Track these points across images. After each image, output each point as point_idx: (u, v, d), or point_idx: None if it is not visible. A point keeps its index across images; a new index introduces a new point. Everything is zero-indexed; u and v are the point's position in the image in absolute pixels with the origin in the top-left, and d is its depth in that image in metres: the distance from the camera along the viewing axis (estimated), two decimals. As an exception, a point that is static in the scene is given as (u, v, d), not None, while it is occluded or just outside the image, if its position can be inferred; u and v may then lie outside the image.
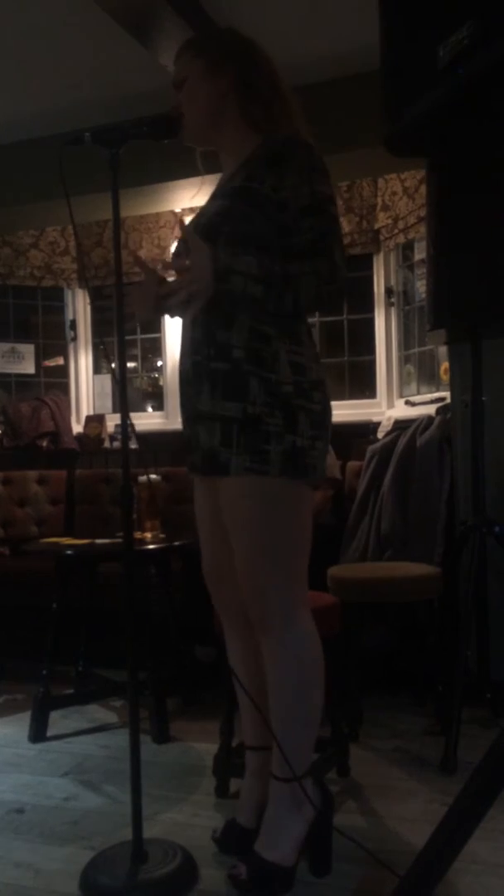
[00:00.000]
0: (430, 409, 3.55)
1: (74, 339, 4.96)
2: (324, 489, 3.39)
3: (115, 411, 4.72)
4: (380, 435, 3.81)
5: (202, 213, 1.79)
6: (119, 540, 2.69)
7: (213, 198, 1.80)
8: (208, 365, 1.68)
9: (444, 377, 3.67)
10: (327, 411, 1.72)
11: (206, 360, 1.68)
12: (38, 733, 2.70)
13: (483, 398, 2.65)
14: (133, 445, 1.79)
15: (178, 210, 4.45)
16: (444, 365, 3.64)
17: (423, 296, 3.77)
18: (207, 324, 1.69)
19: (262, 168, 1.66)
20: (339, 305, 1.82)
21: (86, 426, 4.68)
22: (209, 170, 1.95)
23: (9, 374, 4.85)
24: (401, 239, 4.11)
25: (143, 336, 4.91)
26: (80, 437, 4.63)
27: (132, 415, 1.76)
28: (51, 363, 4.99)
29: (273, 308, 1.63)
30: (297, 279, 1.60)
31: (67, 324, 4.98)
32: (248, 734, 1.90)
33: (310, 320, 2.01)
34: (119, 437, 4.10)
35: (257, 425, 1.62)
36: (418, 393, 4.08)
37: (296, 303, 1.62)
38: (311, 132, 1.74)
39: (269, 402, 1.62)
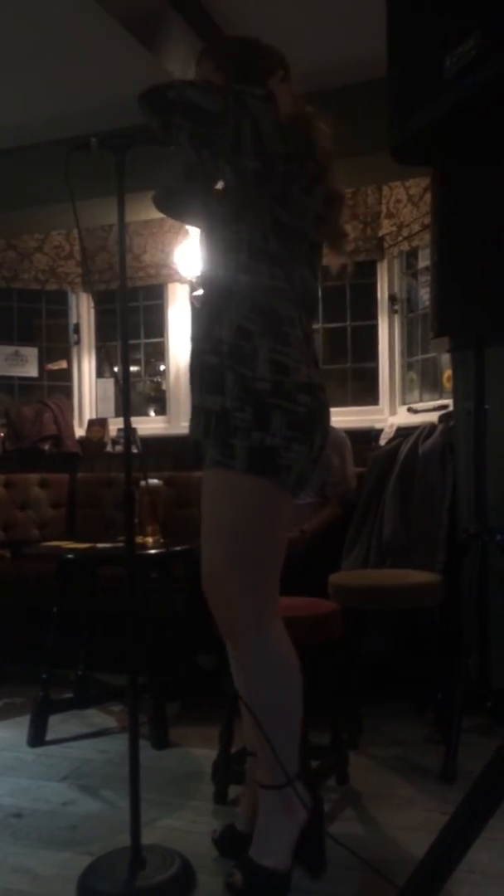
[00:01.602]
0: (433, 417, 3.55)
1: (78, 342, 4.97)
2: (333, 507, 3.39)
3: (117, 415, 4.73)
4: (382, 442, 3.81)
5: None
6: (120, 544, 2.69)
7: None
8: (202, 359, 1.72)
9: (447, 385, 3.67)
10: (316, 416, 1.68)
11: (202, 355, 1.72)
12: (36, 737, 2.70)
13: (486, 406, 2.65)
14: (135, 450, 1.80)
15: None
16: (447, 372, 3.64)
17: (427, 303, 3.77)
18: (206, 318, 1.73)
19: None
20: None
21: (88, 430, 4.68)
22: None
23: (12, 377, 4.86)
24: (405, 246, 4.11)
25: (146, 340, 4.92)
26: (82, 440, 4.63)
27: (134, 419, 1.78)
28: (54, 366, 4.99)
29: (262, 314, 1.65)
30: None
31: (71, 327, 4.98)
32: (249, 739, 1.90)
33: (314, 326, 2.02)
34: (121, 440, 4.11)
35: (228, 419, 1.63)
36: (421, 400, 4.08)
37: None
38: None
39: (242, 397, 1.63)
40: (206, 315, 1.74)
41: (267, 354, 1.64)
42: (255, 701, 1.71)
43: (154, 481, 3.19)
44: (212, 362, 1.68)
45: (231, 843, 1.84)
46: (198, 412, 1.73)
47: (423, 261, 4.00)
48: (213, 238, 1.77)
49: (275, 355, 1.65)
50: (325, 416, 1.74)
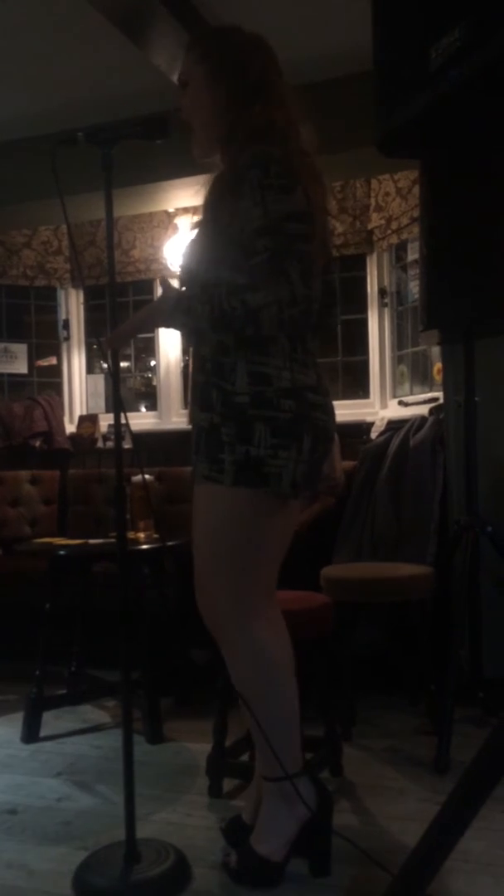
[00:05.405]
0: (424, 410, 3.56)
1: (67, 338, 4.95)
2: (324, 500, 3.40)
3: (108, 411, 4.72)
4: (373, 435, 3.82)
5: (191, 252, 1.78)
6: (112, 540, 2.69)
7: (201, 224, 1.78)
8: (193, 377, 1.77)
9: (437, 377, 3.68)
10: (304, 418, 1.67)
11: (193, 373, 1.78)
12: (30, 734, 2.70)
13: (476, 398, 2.66)
14: (127, 445, 1.80)
15: (171, 210, 4.45)
16: (437, 365, 3.65)
17: (417, 296, 3.78)
18: (195, 338, 1.77)
19: (225, 194, 1.64)
20: (308, 327, 1.73)
21: (79, 426, 4.67)
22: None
23: (1, 374, 4.84)
24: (394, 239, 4.12)
25: (137, 336, 4.90)
26: (73, 436, 4.62)
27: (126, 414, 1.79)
28: (44, 363, 4.98)
29: (235, 335, 1.62)
30: (258, 312, 1.55)
31: (60, 323, 4.97)
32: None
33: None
34: (112, 436, 4.10)
35: (216, 435, 1.65)
36: (411, 393, 4.09)
37: (257, 331, 1.59)
38: (311, 138, 1.70)
39: (224, 412, 1.65)
40: (196, 334, 1.76)
41: (245, 367, 1.64)
42: (240, 698, 1.74)
43: (147, 477, 3.18)
44: (199, 380, 1.73)
45: (237, 834, 1.85)
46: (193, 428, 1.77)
47: (413, 254, 4.00)
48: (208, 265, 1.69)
49: (253, 367, 1.64)
50: (319, 415, 1.72)
